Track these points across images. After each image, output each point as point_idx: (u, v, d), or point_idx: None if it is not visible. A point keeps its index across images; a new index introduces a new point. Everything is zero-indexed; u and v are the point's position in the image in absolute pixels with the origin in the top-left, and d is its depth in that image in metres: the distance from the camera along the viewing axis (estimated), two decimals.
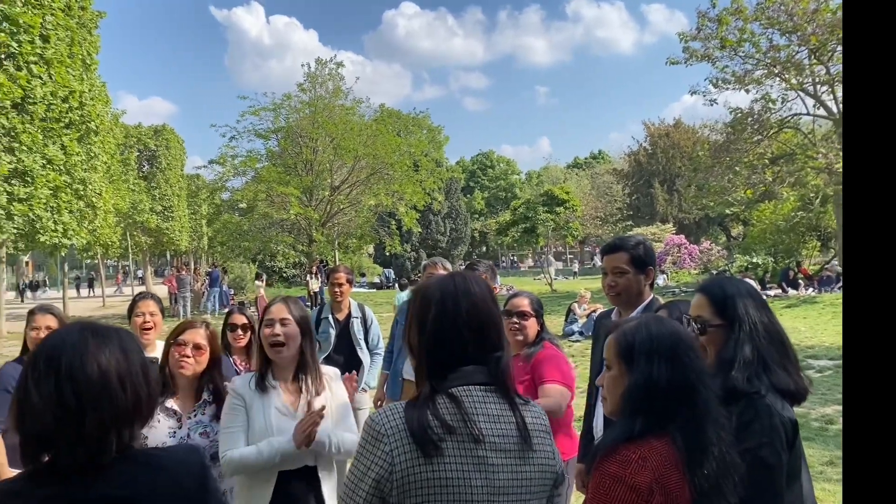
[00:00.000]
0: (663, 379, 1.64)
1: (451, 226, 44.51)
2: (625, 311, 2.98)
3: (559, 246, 55.27)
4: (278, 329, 2.69)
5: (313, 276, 24.83)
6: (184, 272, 27.00)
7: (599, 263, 3.34)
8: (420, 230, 35.54)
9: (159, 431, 2.79)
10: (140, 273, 44.28)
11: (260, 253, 33.43)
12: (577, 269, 42.73)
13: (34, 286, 38.91)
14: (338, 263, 26.03)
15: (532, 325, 3.35)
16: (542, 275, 36.94)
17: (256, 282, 24.85)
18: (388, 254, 33.67)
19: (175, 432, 2.81)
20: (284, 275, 39.36)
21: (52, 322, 3.51)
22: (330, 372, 2.87)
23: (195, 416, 2.89)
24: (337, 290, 5.31)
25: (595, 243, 58.51)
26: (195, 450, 1.54)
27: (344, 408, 2.82)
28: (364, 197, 29.32)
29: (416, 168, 30.05)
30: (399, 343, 4.95)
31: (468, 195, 70.46)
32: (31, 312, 3.66)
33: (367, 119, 29.58)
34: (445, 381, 1.56)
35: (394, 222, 31.88)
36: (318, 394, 2.72)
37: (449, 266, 4.93)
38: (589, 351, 3.65)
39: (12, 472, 2.76)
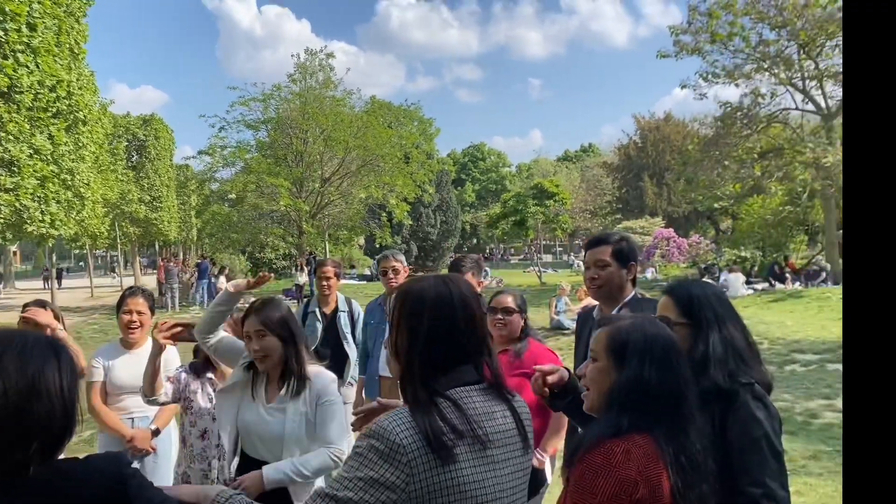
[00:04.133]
0: (653, 381, 1.66)
1: (441, 218, 44.47)
2: (606, 307, 2.98)
3: (549, 239, 55.36)
4: (255, 344, 2.66)
5: (301, 269, 24.67)
6: (172, 263, 26.87)
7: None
8: (411, 222, 35.52)
9: (202, 398, 3.37)
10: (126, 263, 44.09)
11: (249, 244, 33.39)
12: (573, 263, 42.82)
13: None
14: (326, 257, 25.99)
15: (516, 321, 3.45)
16: (532, 267, 37.04)
17: (302, 274, 23.31)
18: (378, 246, 33.66)
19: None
20: (274, 266, 39.27)
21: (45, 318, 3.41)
22: (324, 378, 2.74)
23: None
24: (325, 283, 5.25)
25: (584, 236, 58.77)
26: (114, 459, 1.55)
27: (328, 415, 2.68)
28: (354, 189, 29.31)
29: (406, 160, 30.06)
30: (371, 344, 4.92)
31: (459, 187, 70.38)
32: (25, 306, 3.56)
33: (357, 110, 29.55)
34: (441, 383, 1.55)
35: (384, 214, 31.85)
36: (297, 394, 2.66)
37: (402, 258, 4.93)
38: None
39: None
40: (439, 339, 1.58)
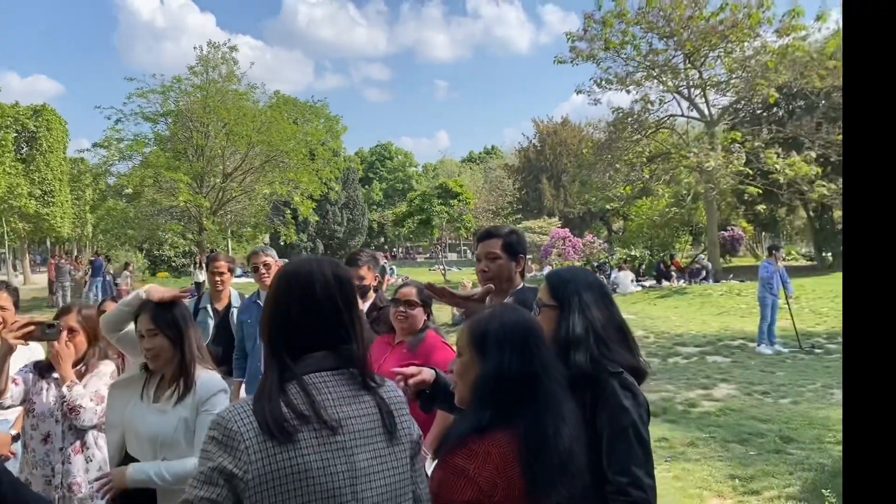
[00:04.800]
0: (514, 369, 1.65)
1: (348, 216, 44.43)
2: (495, 298, 2.97)
3: (453, 238, 56.20)
4: (146, 343, 2.59)
5: (200, 266, 24.16)
6: (63, 260, 25.69)
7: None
8: (317, 220, 35.33)
9: (46, 399, 3.12)
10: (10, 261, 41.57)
11: (146, 241, 32.30)
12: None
13: None
14: (217, 252, 25.55)
15: (418, 314, 3.45)
16: (437, 265, 37.62)
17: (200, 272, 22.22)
18: (283, 244, 33.31)
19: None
20: (173, 264, 38.09)
21: None
22: (211, 387, 2.61)
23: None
24: (217, 279, 5.02)
25: None
26: None
27: (205, 425, 2.54)
28: (258, 185, 28.85)
29: (312, 157, 29.79)
30: (250, 344, 4.69)
31: (367, 186, 70.31)
32: None
33: (262, 105, 29.10)
34: (295, 368, 1.52)
35: (289, 211, 31.55)
36: (182, 398, 2.57)
37: (274, 253, 4.80)
38: None
39: None
40: (298, 321, 1.56)
